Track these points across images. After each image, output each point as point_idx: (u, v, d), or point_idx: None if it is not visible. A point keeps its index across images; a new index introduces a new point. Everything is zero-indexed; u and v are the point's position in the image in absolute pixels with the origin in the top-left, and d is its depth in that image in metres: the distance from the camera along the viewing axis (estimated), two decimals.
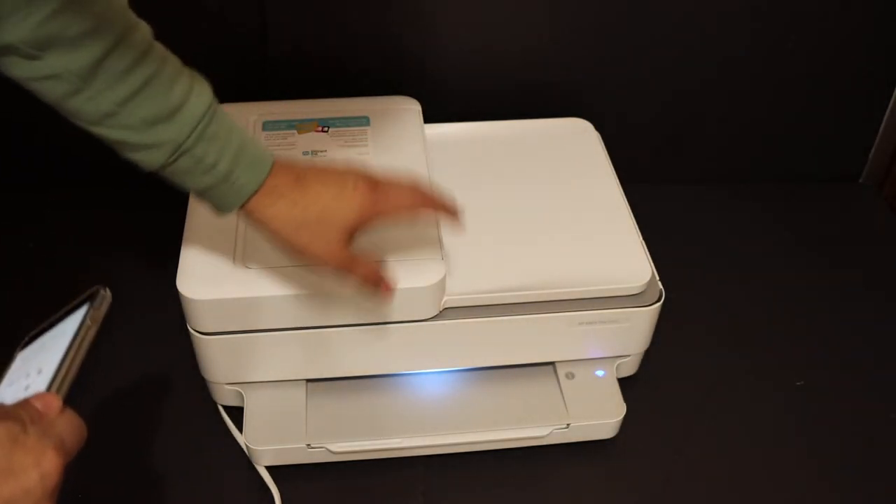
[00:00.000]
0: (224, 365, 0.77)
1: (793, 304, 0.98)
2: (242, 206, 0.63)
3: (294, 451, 0.77)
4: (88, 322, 0.52)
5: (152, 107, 0.58)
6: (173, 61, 0.61)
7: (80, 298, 0.53)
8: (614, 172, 0.90)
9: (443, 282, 0.74)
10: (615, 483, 0.80)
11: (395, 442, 0.77)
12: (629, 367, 0.85)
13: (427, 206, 0.70)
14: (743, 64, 1.02)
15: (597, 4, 0.96)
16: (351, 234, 0.65)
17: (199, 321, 0.73)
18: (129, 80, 0.57)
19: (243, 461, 0.79)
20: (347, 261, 0.66)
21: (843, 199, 1.13)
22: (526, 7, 0.96)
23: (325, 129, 0.87)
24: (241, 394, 0.80)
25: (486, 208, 0.84)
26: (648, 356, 0.85)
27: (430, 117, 0.91)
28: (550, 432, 0.79)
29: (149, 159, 0.60)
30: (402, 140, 0.86)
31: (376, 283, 0.69)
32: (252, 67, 0.98)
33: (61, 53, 0.55)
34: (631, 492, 0.79)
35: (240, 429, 0.79)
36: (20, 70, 0.56)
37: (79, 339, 0.51)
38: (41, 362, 0.51)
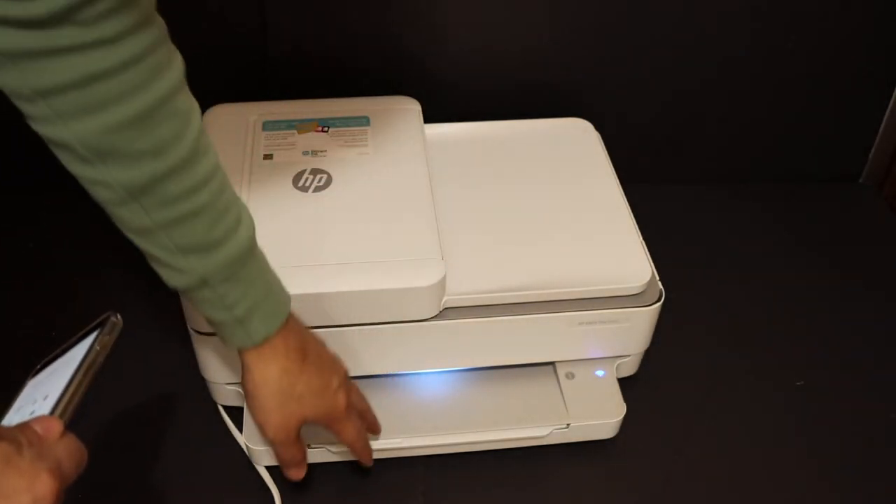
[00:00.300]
0: (224, 365, 0.77)
1: (793, 304, 0.98)
2: (245, 351, 0.64)
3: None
4: (97, 348, 0.51)
5: (192, 237, 0.57)
6: (229, 192, 0.60)
7: (92, 325, 0.53)
8: (614, 172, 0.90)
9: (443, 282, 0.74)
10: (615, 483, 0.80)
11: (395, 442, 0.77)
12: (629, 367, 0.85)
13: (357, 452, 0.73)
14: (743, 64, 1.02)
15: (597, 4, 0.96)
16: (305, 423, 0.68)
17: (199, 321, 0.73)
18: (179, 206, 0.55)
19: (243, 461, 0.79)
20: (286, 443, 0.68)
21: (843, 199, 1.13)
22: (526, 7, 0.96)
23: (325, 129, 0.87)
24: (241, 394, 0.80)
25: (486, 208, 0.84)
26: (648, 356, 0.85)
27: (430, 117, 0.91)
28: (550, 432, 0.79)
29: (172, 280, 0.59)
30: (402, 140, 0.86)
31: (289, 468, 0.71)
32: (252, 67, 0.98)
33: (117, 166, 0.53)
34: (631, 492, 0.79)
35: (240, 429, 0.79)
36: (71, 166, 0.54)
37: (86, 364, 0.51)
38: (48, 388, 0.50)
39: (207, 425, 0.82)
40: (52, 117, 0.50)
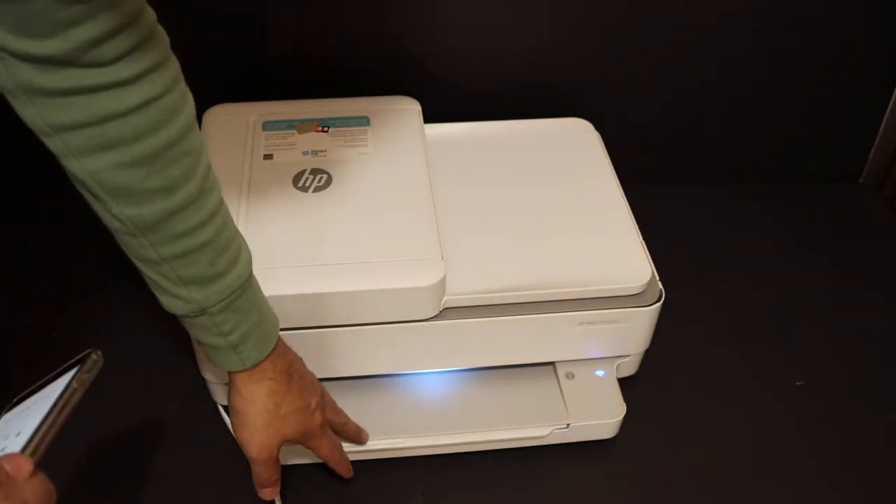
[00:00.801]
0: None
1: (793, 304, 0.98)
2: (235, 374, 0.66)
3: (294, 451, 0.77)
4: (75, 385, 0.50)
5: (195, 269, 0.58)
6: (231, 225, 0.61)
7: (71, 361, 0.52)
8: (614, 172, 0.90)
9: (443, 282, 0.74)
10: (615, 483, 0.80)
11: (395, 442, 0.78)
12: (629, 367, 0.85)
13: (335, 465, 0.75)
14: (743, 64, 1.02)
15: (597, 4, 0.96)
16: (286, 441, 0.70)
17: None
18: (185, 241, 0.57)
19: (243, 461, 0.79)
20: (268, 462, 0.70)
21: (843, 199, 1.13)
22: (526, 7, 0.96)
23: (325, 129, 0.87)
24: None
25: (486, 208, 0.84)
26: (648, 356, 0.85)
27: (430, 117, 0.91)
28: (550, 432, 0.79)
29: (171, 306, 0.61)
30: (402, 140, 0.86)
31: (264, 487, 0.72)
32: (252, 67, 0.98)
33: (128, 203, 0.54)
34: (631, 492, 0.79)
35: None
36: (85, 198, 0.55)
37: (61, 402, 0.49)
38: (21, 425, 0.49)
39: (207, 425, 0.82)
40: (66, 153, 0.51)
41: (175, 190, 0.54)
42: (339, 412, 0.75)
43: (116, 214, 0.54)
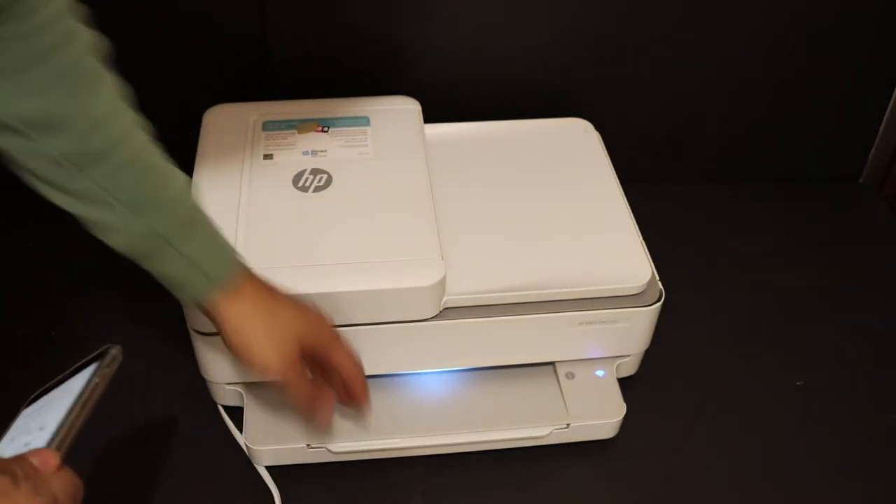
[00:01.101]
0: (224, 365, 0.77)
1: (793, 304, 0.98)
2: (210, 298, 0.63)
3: (294, 451, 0.77)
4: (96, 380, 0.51)
5: (131, 189, 0.59)
6: (158, 152, 0.62)
7: (91, 356, 0.53)
8: (614, 172, 0.90)
9: (443, 282, 0.74)
10: (615, 483, 0.80)
11: (395, 442, 0.77)
12: (629, 367, 0.85)
13: (355, 384, 0.71)
14: (743, 64, 1.02)
15: (597, 4, 0.96)
16: (303, 353, 0.66)
17: (199, 321, 0.73)
18: (111, 157, 0.58)
19: (243, 461, 0.79)
20: (295, 376, 0.66)
21: (843, 199, 1.13)
22: (526, 7, 0.96)
23: (325, 129, 0.87)
24: (241, 394, 0.80)
25: (486, 208, 0.84)
26: (648, 356, 0.85)
27: (430, 117, 0.91)
28: (550, 432, 0.79)
29: (121, 240, 0.61)
30: (402, 140, 0.86)
31: (312, 409, 0.69)
32: (252, 67, 0.98)
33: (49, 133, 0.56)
34: (631, 492, 0.79)
35: (240, 429, 0.79)
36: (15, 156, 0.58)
37: (84, 396, 0.50)
38: (44, 420, 0.50)
39: (207, 425, 0.82)
40: None
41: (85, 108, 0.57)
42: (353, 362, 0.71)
43: (42, 148, 0.56)
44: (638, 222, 0.84)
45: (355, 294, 0.72)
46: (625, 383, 0.83)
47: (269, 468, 0.78)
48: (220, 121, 0.88)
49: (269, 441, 0.77)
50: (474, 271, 0.77)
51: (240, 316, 0.64)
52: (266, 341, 0.65)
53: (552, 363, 0.83)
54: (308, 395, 0.68)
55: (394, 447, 0.78)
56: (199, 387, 0.82)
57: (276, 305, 0.66)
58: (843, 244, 1.06)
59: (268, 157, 0.83)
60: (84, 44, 0.58)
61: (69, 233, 0.99)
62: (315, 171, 0.82)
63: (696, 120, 1.08)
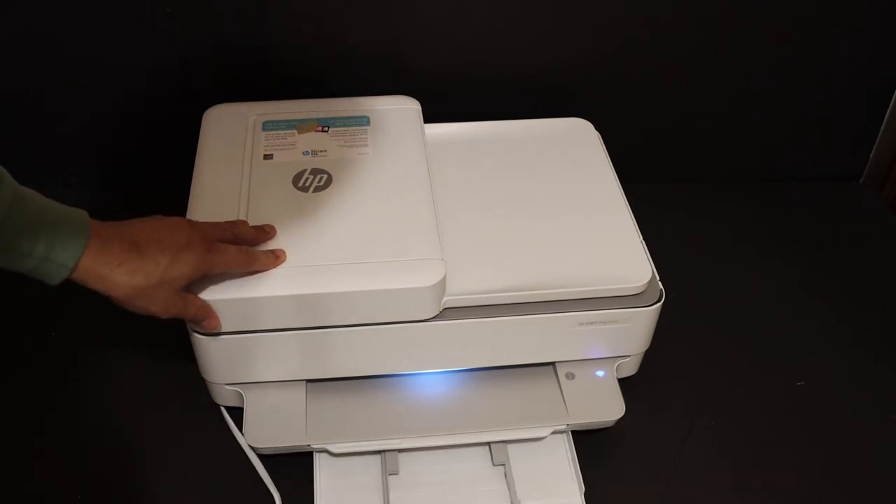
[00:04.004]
0: (224, 365, 0.77)
1: (792, 304, 0.98)
2: (75, 271, 0.61)
3: (294, 451, 0.77)
4: None
5: None
6: None
7: None
8: (614, 172, 0.90)
9: (443, 282, 0.74)
10: (615, 483, 0.80)
11: (396, 442, 0.77)
12: (629, 368, 0.85)
13: (254, 265, 0.72)
14: (743, 64, 1.02)
15: (597, 5, 0.96)
16: (185, 287, 0.68)
17: None
18: None
19: (243, 461, 0.79)
20: (181, 309, 0.68)
21: (843, 199, 1.13)
22: (526, 7, 0.96)
23: (325, 129, 0.87)
24: (241, 394, 0.80)
25: (486, 208, 0.84)
26: (648, 356, 0.85)
27: (430, 117, 0.91)
28: (550, 432, 0.79)
29: None
30: (402, 140, 0.86)
31: (203, 319, 0.71)
32: (252, 67, 0.98)
33: None
34: (631, 492, 0.79)
35: (240, 429, 0.79)
36: None
37: None
38: None
39: (207, 425, 0.82)
40: None
41: None
42: (221, 226, 0.72)
43: None
44: (638, 222, 0.84)
45: (355, 294, 0.72)
46: (625, 383, 0.83)
47: (269, 469, 0.78)
48: (220, 121, 0.88)
49: (269, 441, 0.77)
50: (474, 271, 0.77)
51: (118, 286, 0.63)
52: (152, 305, 0.66)
53: (552, 363, 0.83)
54: (195, 314, 0.70)
55: (394, 447, 0.78)
56: (199, 387, 0.82)
57: (150, 267, 0.64)
58: (844, 244, 1.06)
59: (268, 157, 0.83)
60: None
61: None
62: (315, 171, 0.82)
63: (696, 120, 1.08)
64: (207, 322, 0.72)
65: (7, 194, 0.58)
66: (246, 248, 0.72)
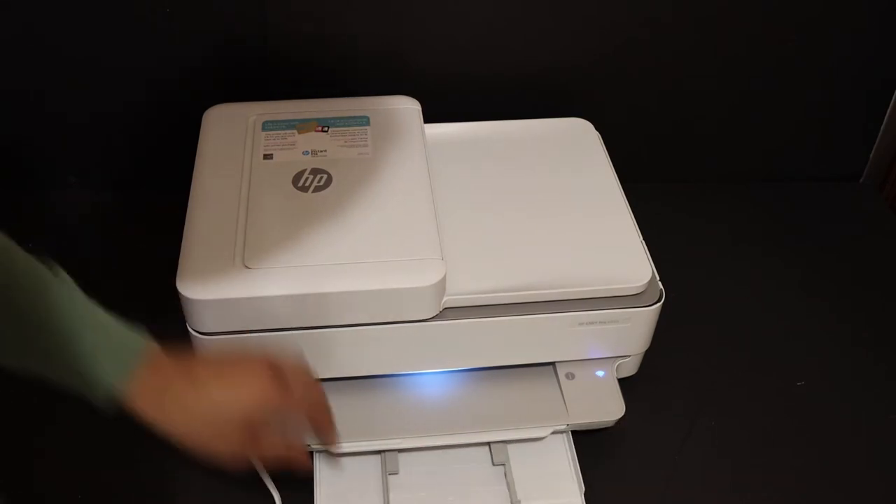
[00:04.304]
0: None
1: (793, 304, 0.98)
2: (122, 399, 0.57)
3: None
4: None
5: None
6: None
7: None
8: (614, 172, 0.90)
9: (443, 282, 0.74)
10: (615, 483, 0.80)
11: (396, 442, 0.77)
12: (629, 368, 0.85)
13: (322, 422, 0.68)
14: (743, 64, 1.02)
15: (597, 4, 0.96)
16: (253, 426, 0.61)
17: (199, 321, 0.73)
18: None
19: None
20: (253, 453, 0.63)
21: (843, 199, 1.13)
22: (526, 7, 0.96)
23: (325, 129, 0.87)
24: None
25: (486, 208, 0.84)
26: (648, 356, 0.85)
27: (430, 117, 0.91)
28: (550, 432, 0.79)
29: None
30: (402, 140, 0.86)
31: (288, 464, 0.66)
32: (252, 67, 0.98)
33: None
34: (631, 492, 0.79)
35: None
36: None
37: None
38: None
39: None
40: None
41: None
42: (299, 401, 0.65)
43: None
44: (638, 222, 0.84)
45: (355, 294, 0.72)
46: (625, 383, 0.83)
47: (269, 469, 0.78)
48: (220, 121, 0.88)
49: None
50: (474, 271, 0.77)
51: (171, 421, 0.58)
52: (212, 443, 0.59)
53: (552, 363, 0.83)
54: (275, 459, 0.66)
55: (394, 447, 0.78)
56: None
57: (205, 401, 0.59)
58: (844, 244, 1.06)
59: (268, 157, 0.83)
60: None
61: (69, 233, 1.00)
62: (315, 171, 0.82)
63: (696, 120, 1.08)
64: (294, 465, 0.66)
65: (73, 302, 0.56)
66: (292, 446, 0.68)
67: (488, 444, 0.79)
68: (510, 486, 0.77)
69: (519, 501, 0.76)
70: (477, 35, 0.98)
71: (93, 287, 0.96)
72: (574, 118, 0.97)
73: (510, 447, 0.79)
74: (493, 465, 0.79)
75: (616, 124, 0.99)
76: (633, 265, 0.80)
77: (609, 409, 0.80)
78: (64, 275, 0.57)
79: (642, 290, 0.79)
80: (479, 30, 0.97)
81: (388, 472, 0.77)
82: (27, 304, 0.55)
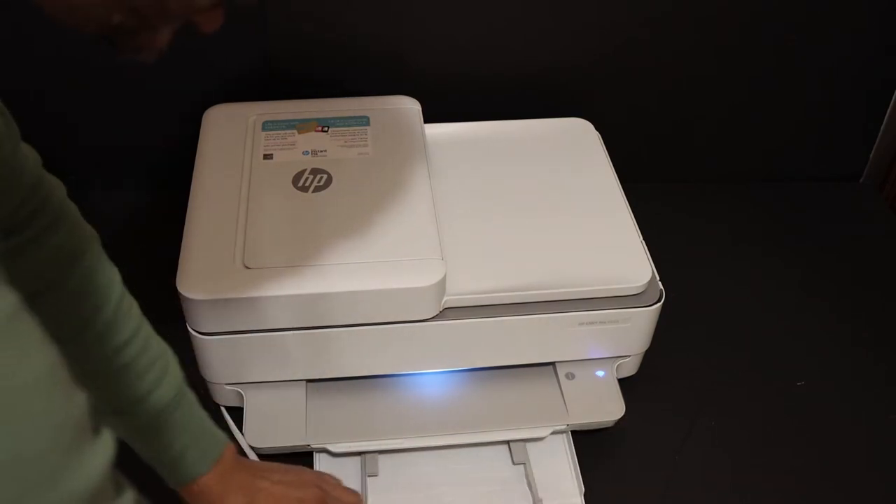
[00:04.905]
0: (224, 365, 0.77)
1: (792, 304, 0.98)
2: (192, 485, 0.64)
3: (295, 451, 0.77)
4: None
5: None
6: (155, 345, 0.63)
7: None
8: (614, 172, 0.90)
9: (443, 282, 0.74)
10: (616, 483, 0.80)
11: (396, 442, 0.77)
12: (629, 368, 0.85)
13: None
14: (743, 64, 1.02)
15: (597, 4, 0.96)
16: None
17: (199, 321, 0.73)
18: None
19: None
20: None
21: (843, 199, 1.13)
22: (526, 7, 0.96)
23: (325, 129, 0.87)
24: (241, 394, 0.80)
25: (486, 208, 0.84)
26: (648, 356, 0.85)
27: (430, 117, 0.91)
28: (550, 432, 0.79)
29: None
30: (402, 140, 0.86)
31: None
32: (252, 67, 0.98)
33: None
34: (631, 492, 0.79)
35: (240, 429, 0.79)
36: None
37: None
38: None
39: None
40: None
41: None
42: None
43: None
44: (638, 222, 0.84)
45: (355, 294, 0.72)
46: (625, 383, 0.83)
47: None
48: (220, 121, 0.88)
49: (269, 441, 0.77)
50: (474, 271, 0.77)
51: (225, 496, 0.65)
52: None
53: (552, 363, 0.83)
54: None
55: (394, 447, 0.78)
56: (199, 387, 0.81)
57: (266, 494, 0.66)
58: (844, 244, 1.06)
59: (268, 157, 0.83)
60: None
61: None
62: (315, 171, 0.82)
63: (696, 120, 1.08)
64: None
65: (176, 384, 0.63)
66: None
67: (488, 444, 0.79)
68: (530, 484, 0.77)
69: (541, 500, 0.76)
70: (477, 35, 0.98)
71: None
72: (574, 118, 0.97)
73: (513, 445, 0.79)
74: (514, 463, 0.79)
75: (616, 124, 0.99)
76: (633, 265, 0.80)
77: (609, 409, 0.80)
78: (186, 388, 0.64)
79: (642, 290, 0.79)
80: (479, 30, 0.97)
81: (368, 473, 0.77)
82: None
